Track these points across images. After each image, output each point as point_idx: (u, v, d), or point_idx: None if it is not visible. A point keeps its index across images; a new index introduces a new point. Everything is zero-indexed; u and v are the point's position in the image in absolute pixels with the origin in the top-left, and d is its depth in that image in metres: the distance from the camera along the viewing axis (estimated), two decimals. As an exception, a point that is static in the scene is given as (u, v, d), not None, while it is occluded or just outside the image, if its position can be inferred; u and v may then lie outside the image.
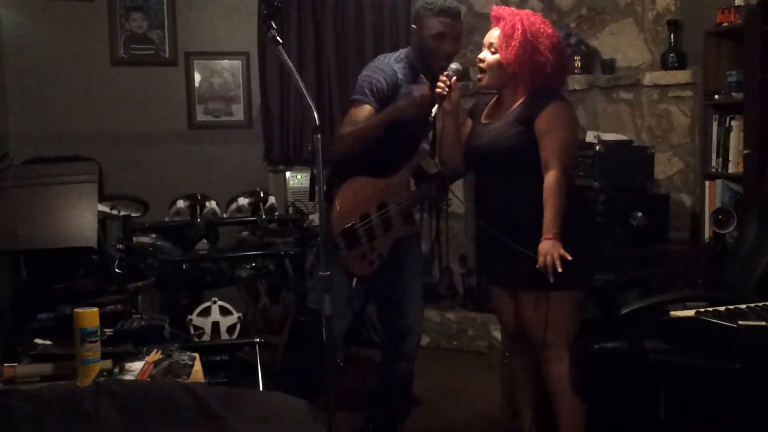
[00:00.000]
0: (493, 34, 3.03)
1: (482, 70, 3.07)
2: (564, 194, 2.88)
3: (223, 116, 5.93)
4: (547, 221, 2.85)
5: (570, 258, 2.77)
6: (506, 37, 2.96)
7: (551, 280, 2.79)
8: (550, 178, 2.89)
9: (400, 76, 3.25)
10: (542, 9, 5.23)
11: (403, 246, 3.40)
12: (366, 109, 3.20)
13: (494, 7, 3.11)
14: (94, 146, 5.36)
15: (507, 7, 3.09)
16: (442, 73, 3.12)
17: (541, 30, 2.95)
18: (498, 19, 3.04)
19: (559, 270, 2.77)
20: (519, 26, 2.93)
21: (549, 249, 2.80)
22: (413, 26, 3.28)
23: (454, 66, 3.09)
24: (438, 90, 3.04)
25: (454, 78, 3.06)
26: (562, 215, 2.85)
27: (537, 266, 2.80)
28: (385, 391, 3.64)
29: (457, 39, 3.23)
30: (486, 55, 3.05)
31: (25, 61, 5.50)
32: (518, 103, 3.03)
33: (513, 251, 2.96)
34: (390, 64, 3.27)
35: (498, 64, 3.01)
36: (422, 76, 3.28)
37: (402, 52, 3.34)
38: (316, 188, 2.69)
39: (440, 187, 3.48)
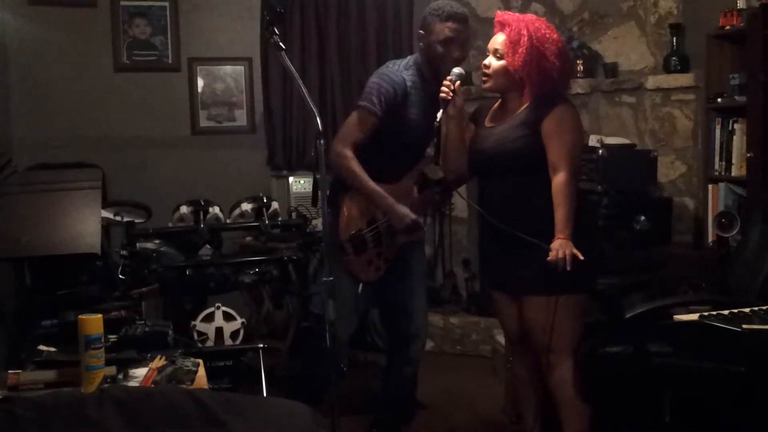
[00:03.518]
0: (498, 40, 3.03)
1: (487, 75, 3.07)
2: (575, 195, 2.90)
3: (226, 122, 5.94)
4: (559, 222, 2.87)
5: (582, 258, 2.79)
6: (512, 44, 2.95)
7: (567, 268, 2.80)
8: (560, 179, 2.90)
9: (408, 83, 3.25)
10: (545, 13, 5.23)
11: (408, 251, 3.40)
12: (370, 120, 3.21)
13: (498, 12, 3.10)
14: (97, 152, 5.37)
15: (512, 13, 3.08)
16: (441, 78, 3.12)
17: (547, 36, 2.95)
18: (503, 25, 3.03)
19: (568, 269, 2.79)
20: (525, 32, 2.93)
21: (561, 245, 2.82)
22: (420, 32, 3.28)
23: (457, 71, 3.08)
24: (442, 95, 3.03)
25: (458, 83, 3.06)
26: (573, 216, 2.86)
27: (548, 259, 2.82)
28: (389, 395, 3.63)
29: (464, 44, 3.23)
30: (491, 61, 3.04)
31: (28, 68, 5.52)
32: (524, 106, 3.03)
33: (518, 256, 2.97)
34: (399, 71, 3.27)
35: (504, 70, 3.01)
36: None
37: (410, 59, 3.34)
38: (319, 193, 2.69)
39: (444, 193, 3.48)
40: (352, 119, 3.28)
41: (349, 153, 3.21)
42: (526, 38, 2.93)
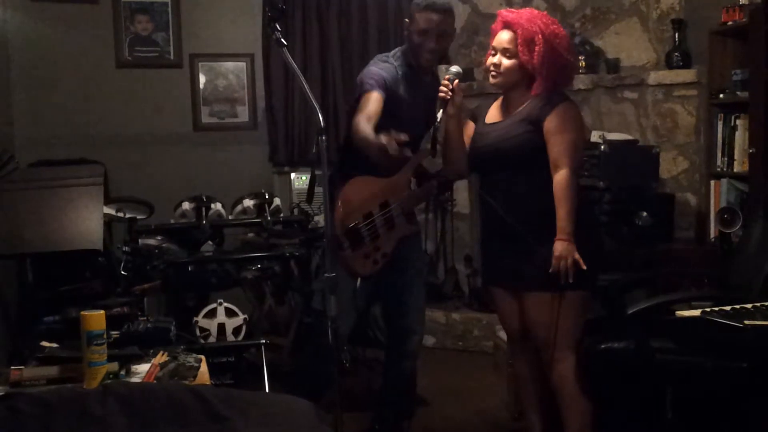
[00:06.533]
0: (504, 38, 3.00)
1: (498, 74, 3.04)
2: (575, 193, 2.90)
3: (227, 118, 5.94)
4: (560, 221, 2.87)
5: (584, 267, 2.81)
6: (527, 43, 2.94)
7: (563, 282, 2.82)
8: (561, 177, 2.90)
9: (399, 72, 3.27)
10: (546, 9, 5.22)
11: (406, 245, 3.40)
12: (374, 96, 3.16)
13: (503, 11, 3.07)
14: (99, 149, 5.38)
15: (514, 10, 3.07)
16: (427, 69, 3.14)
17: (557, 31, 2.96)
18: (508, 24, 3.00)
19: (571, 281, 2.82)
20: (538, 30, 2.92)
21: (563, 252, 2.84)
22: (406, 20, 3.30)
23: (454, 69, 3.07)
24: (441, 95, 3.03)
25: (456, 81, 3.05)
26: (574, 214, 2.87)
27: (551, 270, 2.85)
28: (389, 390, 3.64)
29: (441, 36, 3.21)
30: (502, 60, 3.02)
31: (30, 64, 5.51)
32: (525, 103, 3.03)
33: (520, 252, 2.98)
34: (388, 60, 3.31)
35: (517, 68, 2.99)
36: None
37: (398, 50, 3.37)
38: (320, 190, 2.69)
39: (441, 186, 3.48)
40: (361, 101, 3.20)
41: (364, 119, 3.09)
42: (540, 36, 2.92)
